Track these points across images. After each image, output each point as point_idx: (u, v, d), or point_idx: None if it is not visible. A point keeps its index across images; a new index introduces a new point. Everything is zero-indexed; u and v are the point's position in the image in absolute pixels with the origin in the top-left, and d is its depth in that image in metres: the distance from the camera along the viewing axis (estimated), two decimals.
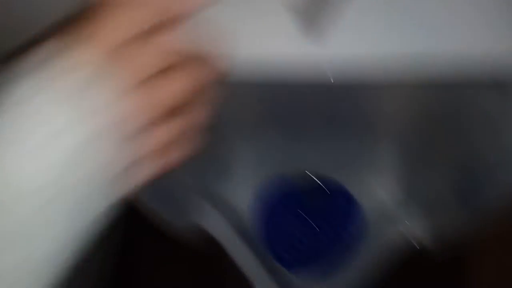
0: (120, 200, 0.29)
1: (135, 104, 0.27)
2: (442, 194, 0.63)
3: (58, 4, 0.36)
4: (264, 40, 0.37)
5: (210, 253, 1.01)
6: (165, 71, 0.29)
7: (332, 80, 0.38)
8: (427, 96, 0.59)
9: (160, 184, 0.55)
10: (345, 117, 0.69)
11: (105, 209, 0.28)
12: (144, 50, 0.28)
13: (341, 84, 0.38)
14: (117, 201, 0.28)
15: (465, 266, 1.00)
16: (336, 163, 0.79)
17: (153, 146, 0.29)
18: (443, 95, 0.55)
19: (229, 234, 0.70)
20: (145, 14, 0.28)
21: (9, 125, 0.25)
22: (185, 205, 0.69)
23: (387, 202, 0.78)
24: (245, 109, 0.67)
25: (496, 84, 0.42)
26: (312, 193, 0.79)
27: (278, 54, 0.37)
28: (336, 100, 0.60)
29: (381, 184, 0.79)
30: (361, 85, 0.41)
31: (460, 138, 0.57)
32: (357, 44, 0.37)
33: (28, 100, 0.25)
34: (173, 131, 0.30)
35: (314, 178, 0.80)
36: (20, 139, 0.25)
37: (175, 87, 0.29)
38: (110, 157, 0.27)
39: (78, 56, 0.26)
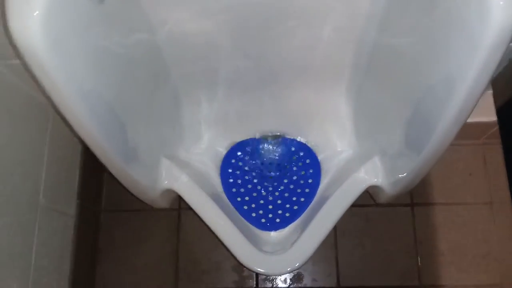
0: None
1: None
2: (394, 139, 0.70)
3: None
4: None
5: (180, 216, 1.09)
6: None
7: None
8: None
9: (132, 151, 0.62)
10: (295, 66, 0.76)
11: None
12: None
13: None
14: None
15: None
16: (290, 116, 0.87)
17: None
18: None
19: (199, 195, 0.77)
20: None
21: None
22: (157, 170, 0.75)
23: (344, 150, 0.87)
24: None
25: None
26: (271, 151, 0.88)
27: None
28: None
29: (337, 133, 0.88)
30: None
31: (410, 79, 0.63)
32: None
33: None
34: None
35: (272, 136, 0.88)
36: None
37: None
38: None
39: None
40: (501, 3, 0.39)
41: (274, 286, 1.06)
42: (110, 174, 1.09)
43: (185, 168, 0.79)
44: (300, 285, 1.07)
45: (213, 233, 0.76)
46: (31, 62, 0.43)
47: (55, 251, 0.90)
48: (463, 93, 0.47)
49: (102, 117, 0.52)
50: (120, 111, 0.58)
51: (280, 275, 1.04)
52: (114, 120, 0.57)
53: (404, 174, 0.68)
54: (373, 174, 0.76)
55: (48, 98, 0.47)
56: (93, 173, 1.07)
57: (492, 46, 0.40)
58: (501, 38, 0.40)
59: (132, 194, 1.06)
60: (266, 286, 1.06)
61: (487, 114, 1.00)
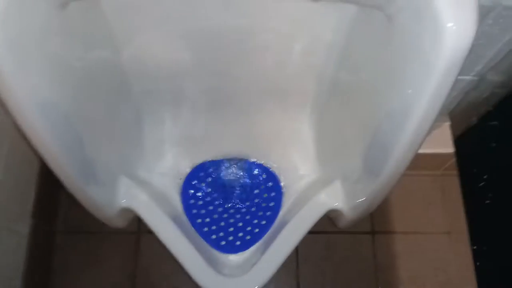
0: None
1: None
2: (355, 164, 0.70)
3: None
4: None
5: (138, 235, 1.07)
6: None
7: None
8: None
9: (89, 166, 0.61)
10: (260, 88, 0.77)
11: None
12: None
13: None
14: None
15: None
16: (253, 138, 0.88)
17: None
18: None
19: (158, 216, 0.75)
20: None
21: None
22: (116, 188, 0.74)
23: (306, 174, 0.87)
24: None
25: None
26: (233, 173, 0.88)
27: None
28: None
29: (300, 157, 0.89)
30: None
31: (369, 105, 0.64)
32: None
33: None
34: None
35: (235, 159, 0.89)
36: None
37: None
38: None
39: None
40: (454, 28, 0.40)
41: None
42: (67, 194, 1.07)
43: (145, 187, 0.77)
44: None
45: (172, 256, 0.74)
46: None
47: (5, 271, 0.87)
48: (418, 116, 0.48)
49: (57, 127, 0.51)
50: (77, 123, 0.57)
51: None
52: (71, 132, 0.56)
53: (363, 198, 0.69)
54: (333, 198, 0.76)
55: (4, 109, 0.46)
56: (49, 193, 1.04)
57: (445, 68, 0.42)
58: (453, 60, 0.41)
59: (89, 216, 1.04)
60: None
61: (445, 146, 1.03)
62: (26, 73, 0.44)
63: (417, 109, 0.48)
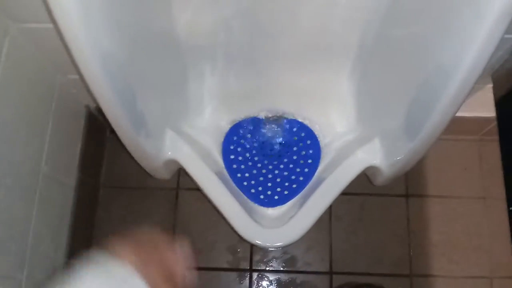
0: None
1: None
2: (395, 121, 0.71)
3: None
4: None
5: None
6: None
7: None
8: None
9: (140, 117, 0.63)
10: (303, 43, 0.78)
11: None
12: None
13: None
14: None
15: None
16: (292, 95, 0.88)
17: None
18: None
19: (202, 167, 0.78)
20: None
21: None
22: (162, 139, 0.77)
23: (345, 131, 0.88)
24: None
25: None
26: (272, 130, 0.89)
27: None
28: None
29: (339, 114, 0.90)
30: None
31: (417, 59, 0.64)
32: None
33: None
34: None
35: (275, 116, 0.91)
36: None
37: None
38: None
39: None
40: None
41: (268, 268, 1.08)
42: (110, 150, 1.10)
43: (189, 141, 0.80)
44: (293, 269, 1.08)
45: (210, 211, 0.76)
46: (56, 12, 0.44)
47: (54, 221, 0.91)
48: (466, 68, 0.49)
49: (114, 77, 0.54)
50: (131, 76, 0.60)
51: (276, 248, 1.05)
52: (126, 83, 0.58)
53: (402, 156, 0.70)
54: (372, 155, 0.78)
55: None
56: (94, 149, 1.08)
57: (497, 17, 0.42)
58: (505, 9, 0.41)
59: (131, 172, 1.08)
60: (260, 268, 1.08)
61: (486, 109, 1.01)
62: (92, 26, 0.47)
63: (466, 60, 0.48)
